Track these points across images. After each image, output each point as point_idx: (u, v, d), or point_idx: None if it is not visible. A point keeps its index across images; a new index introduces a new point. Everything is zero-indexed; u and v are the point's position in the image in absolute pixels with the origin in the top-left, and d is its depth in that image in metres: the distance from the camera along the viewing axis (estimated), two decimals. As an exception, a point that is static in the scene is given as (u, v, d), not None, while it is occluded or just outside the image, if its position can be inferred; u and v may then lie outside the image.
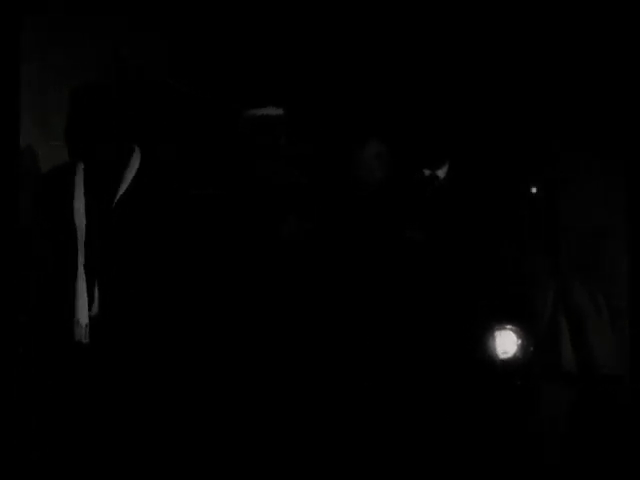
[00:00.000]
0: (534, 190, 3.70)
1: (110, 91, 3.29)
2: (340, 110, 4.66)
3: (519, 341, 4.17)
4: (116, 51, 4.04)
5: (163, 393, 3.23)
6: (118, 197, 3.23)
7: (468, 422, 3.76)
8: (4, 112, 2.82)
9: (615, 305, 3.33)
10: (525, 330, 4.01)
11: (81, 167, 3.25)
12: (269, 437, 3.69)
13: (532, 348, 3.63)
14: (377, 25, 4.58)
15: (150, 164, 3.33)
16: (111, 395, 3.13)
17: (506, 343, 4.21)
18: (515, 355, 4.14)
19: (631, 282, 3.26)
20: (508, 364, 4.02)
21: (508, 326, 4.20)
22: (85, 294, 3.13)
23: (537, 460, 3.34)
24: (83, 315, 3.13)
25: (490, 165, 4.30)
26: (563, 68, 3.69)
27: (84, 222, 3.20)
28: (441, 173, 4.23)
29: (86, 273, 3.14)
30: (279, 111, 3.80)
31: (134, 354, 3.19)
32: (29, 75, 3.30)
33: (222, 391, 3.62)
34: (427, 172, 4.23)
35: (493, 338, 4.04)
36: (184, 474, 3.45)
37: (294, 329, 3.74)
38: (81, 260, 3.15)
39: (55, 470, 3.14)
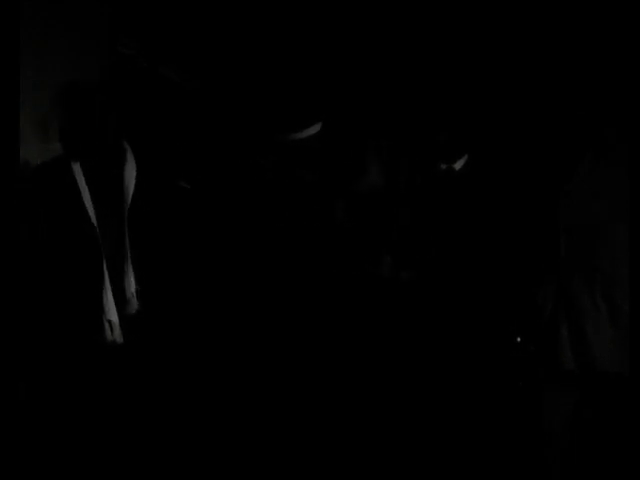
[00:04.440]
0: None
1: (97, 89, 3.29)
2: (352, 102, 4.61)
3: (518, 339, 4.17)
4: (118, 38, 4.04)
5: (188, 391, 3.25)
6: (130, 196, 3.23)
7: (471, 423, 3.77)
8: (4, 114, 2.80)
9: (616, 303, 3.32)
10: (525, 328, 4.00)
11: (78, 167, 3.25)
12: (271, 436, 3.70)
13: (533, 347, 3.64)
14: (390, 17, 4.56)
15: (150, 160, 3.33)
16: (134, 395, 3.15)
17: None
18: (515, 353, 4.14)
19: (633, 280, 3.25)
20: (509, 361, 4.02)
21: (507, 324, 4.20)
22: (111, 294, 3.14)
23: (540, 462, 3.34)
24: (113, 315, 3.14)
25: (508, 160, 4.27)
26: (567, 62, 3.69)
27: (96, 223, 3.20)
28: (457, 165, 4.22)
29: (109, 273, 3.15)
30: (318, 127, 3.82)
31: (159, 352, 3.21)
32: (27, 77, 3.31)
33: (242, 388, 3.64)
34: (444, 165, 4.22)
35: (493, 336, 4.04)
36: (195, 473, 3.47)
37: (297, 324, 3.76)
38: (104, 261, 3.15)
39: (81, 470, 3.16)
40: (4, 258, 2.69)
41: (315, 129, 3.87)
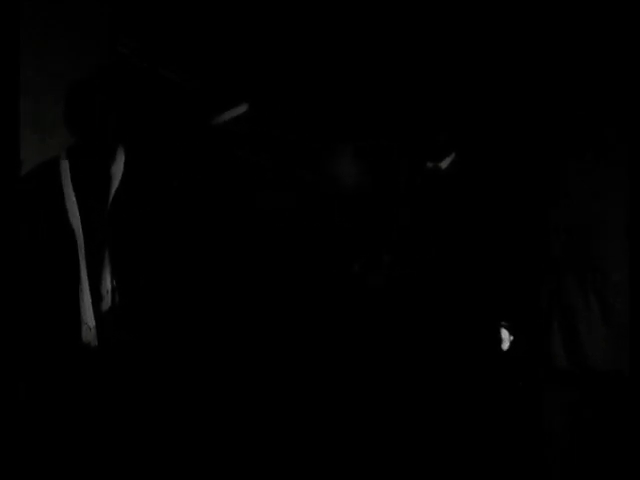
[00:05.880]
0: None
1: (97, 89, 3.29)
2: (341, 99, 4.62)
3: (511, 337, 4.17)
4: (118, 38, 4.04)
5: (170, 394, 3.24)
6: (112, 195, 3.23)
7: (470, 423, 3.77)
8: (4, 114, 2.80)
9: (608, 302, 3.32)
10: (518, 326, 4.01)
11: (66, 166, 3.25)
12: (270, 436, 3.70)
13: (528, 346, 3.64)
14: (380, 14, 4.56)
15: (140, 159, 3.33)
16: (120, 397, 3.14)
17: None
18: (508, 350, 4.14)
19: (633, 280, 3.25)
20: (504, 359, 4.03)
21: (501, 322, 4.20)
22: (89, 296, 3.13)
23: (540, 462, 3.34)
24: (90, 317, 3.13)
25: (495, 158, 4.28)
26: (567, 62, 3.68)
27: (79, 223, 3.20)
28: (444, 164, 4.23)
29: (88, 274, 3.15)
30: (244, 107, 3.84)
31: (143, 352, 3.20)
32: (26, 79, 3.30)
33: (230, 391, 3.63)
34: (430, 164, 4.22)
35: (491, 334, 4.04)
36: (187, 474, 3.46)
37: (297, 323, 3.76)
38: (82, 261, 3.15)
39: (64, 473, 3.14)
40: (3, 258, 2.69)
41: (241, 110, 3.89)
